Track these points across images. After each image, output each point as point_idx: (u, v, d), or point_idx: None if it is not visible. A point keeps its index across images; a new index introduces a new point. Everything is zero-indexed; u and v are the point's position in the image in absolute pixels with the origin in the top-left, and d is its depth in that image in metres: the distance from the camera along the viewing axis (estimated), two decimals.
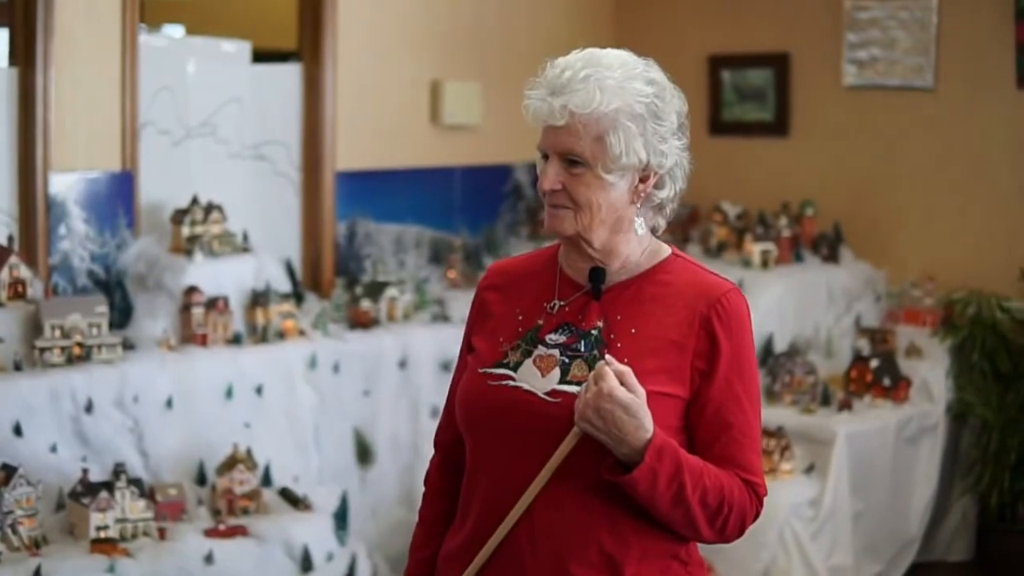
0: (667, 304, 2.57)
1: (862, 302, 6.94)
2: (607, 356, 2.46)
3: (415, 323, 6.53)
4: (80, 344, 5.26)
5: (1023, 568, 6.37)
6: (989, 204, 6.74)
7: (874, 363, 6.40)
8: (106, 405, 5.24)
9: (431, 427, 6.37)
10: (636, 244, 2.62)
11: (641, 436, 2.40)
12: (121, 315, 5.67)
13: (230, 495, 5.28)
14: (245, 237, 6.11)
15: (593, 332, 2.58)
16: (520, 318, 2.67)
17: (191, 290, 5.69)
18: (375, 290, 6.47)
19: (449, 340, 6.53)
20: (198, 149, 6.17)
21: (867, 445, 6.10)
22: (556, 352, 2.58)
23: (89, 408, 5.17)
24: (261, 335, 5.86)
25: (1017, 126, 6.62)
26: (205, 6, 7.30)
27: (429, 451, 6.37)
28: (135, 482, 4.99)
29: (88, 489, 4.89)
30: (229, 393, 5.61)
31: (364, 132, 6.81)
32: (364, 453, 6.19)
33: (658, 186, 2.59)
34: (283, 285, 6.11)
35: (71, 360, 5.24)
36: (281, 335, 5.93)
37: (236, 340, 5.78)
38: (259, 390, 5.72)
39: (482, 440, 2.63)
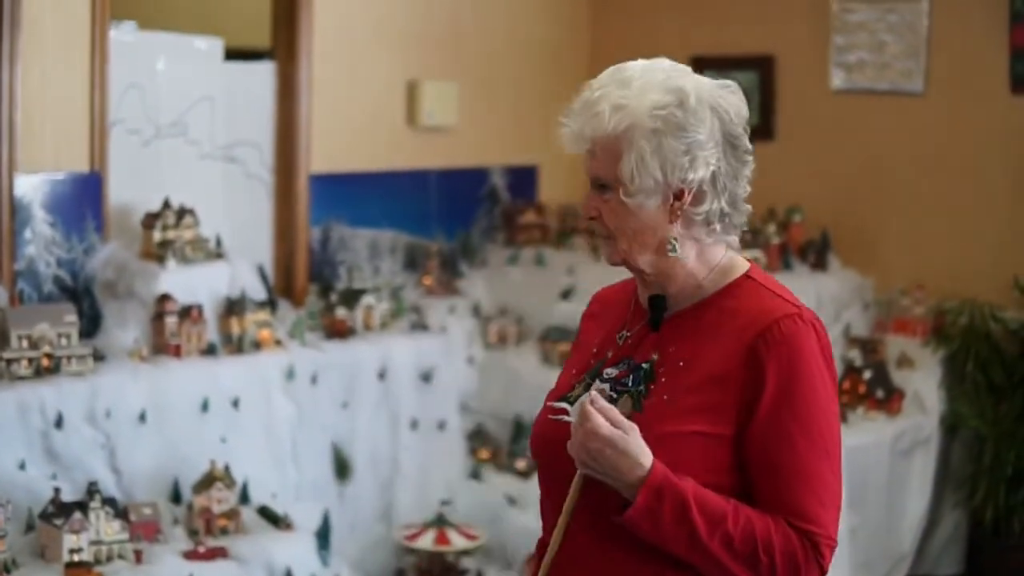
0: (720, 334, 2.40)
1: (851, 311, 6.77)
2: (592, 393, 2.32)
3: (393, 332, 6.32)
4: (49, 355, 5.02)
5: None
6: (981, 211, 6.58)
7: (867, 374, 6.24)
8: (77, 420, 5.02)
9: (410, 441, 6.26)
10: (697, 266, 2.45)
11: (637, 474, 2.27)
12: (89, 324, 5.42)
13: (208, 514, 5.05)
14: (218, 242, 5.86)
15: (644, 366, 2.44)
16: (594, 350, 2.58)
17: (163, 298, 5.44)
18: (351, 297, 6.25)
19: (428, 350, 6.37)
20: (168, 150, 5.91)
21: (863, 460, 5.91)
22: (607, 387, 2.45)
23: (59, 423, 4.95)
24: (236, 345, 5.62)
25: (1011, 132, 6.46)
26: (176, 2, 7.04)
27: (408, 466, 6.25)
28: (109, 501, 4.75)
29: (60, 509, 4.65)
30: (205, 406, 5.39)
31: (339, 133, 6.57)
32: (342, 468, 5.99)
33: (697, 201, 2.40)
34: (258, 293, 5.87)
35: (39, 372, 5.02)
36: (257, 345, 5.69)
37: (211, 350, 5.54)
38: (236, 403, 5.50)
39: (542, 471, 2.59)
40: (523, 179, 7.52)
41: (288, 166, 6.38)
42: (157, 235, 5.60)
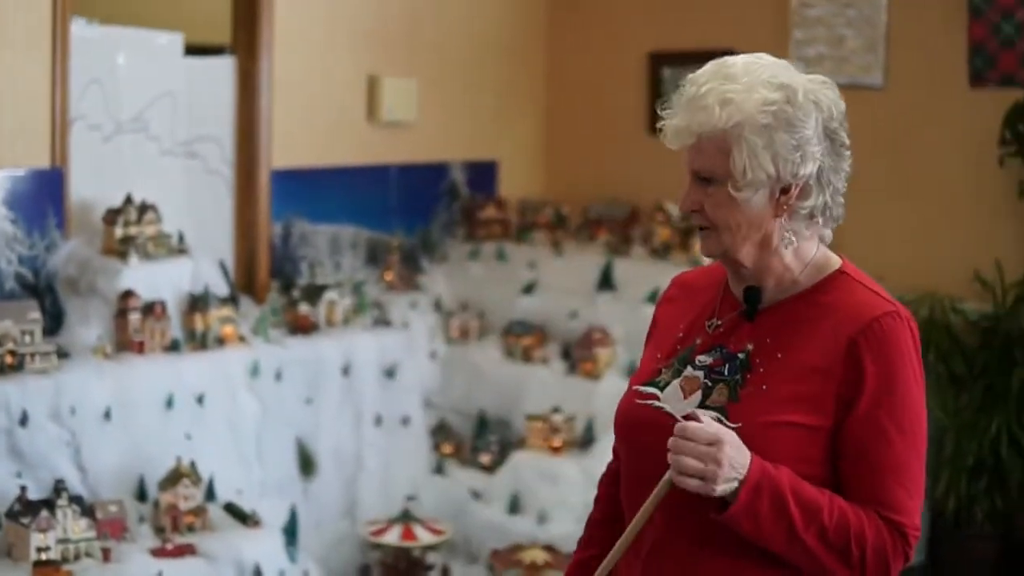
0: (818, 327, 2.42)
1: None
2: (695, 410, 2.36)
3: (356, 327, 6.32)
4: (12, 352, 4.98)
5: (974, 573, 6.27)
6: (940, 205, 6.61)
7: None
8: (41, 417, 4.98)
9: (374, 437, 6.25)
10: (794, 260, 2.48)
11: (735, 475, 2.31)
12: (52, 321, 5.38)
13: (175, 511, 5.02)
14: (181, 238, 5.82)
15: (740, 356, 2.46)
16: (680, 335, 2.59)
17: (126, 294, 5.40)
18: (313, 293, 6.24)
19: (391, 345, 6.36)
20: (129, 145, 5.86)
21: None
22: (701, 374, 2.48)
23: (24, 421, 4.91)
24: (200, 341, 5.59)
25: (969, 126, 6.49)
26: None
27: (372, 462, 6.24)
28: (76, 499, 4.71)
29: (27, 508, 4.62)
30: (169, 403, 5.36)
31: (299, 129, 6.54)
32: (307, 464, 5.96)
33: (803, 196, 2.43)
34: (221, 289, 5.84)
35: (3, 370, 4.98)
36: (220, 341, 5.66)
37: (174, 347, 5.50)
38: (200, 399, 5.47)
39: (628, 456, 2.59)
40: (482, 174, 7.52)
41: (249, 162, 6.35)
42: (119, 231, 5.56)
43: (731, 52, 7.07)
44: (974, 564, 6.26)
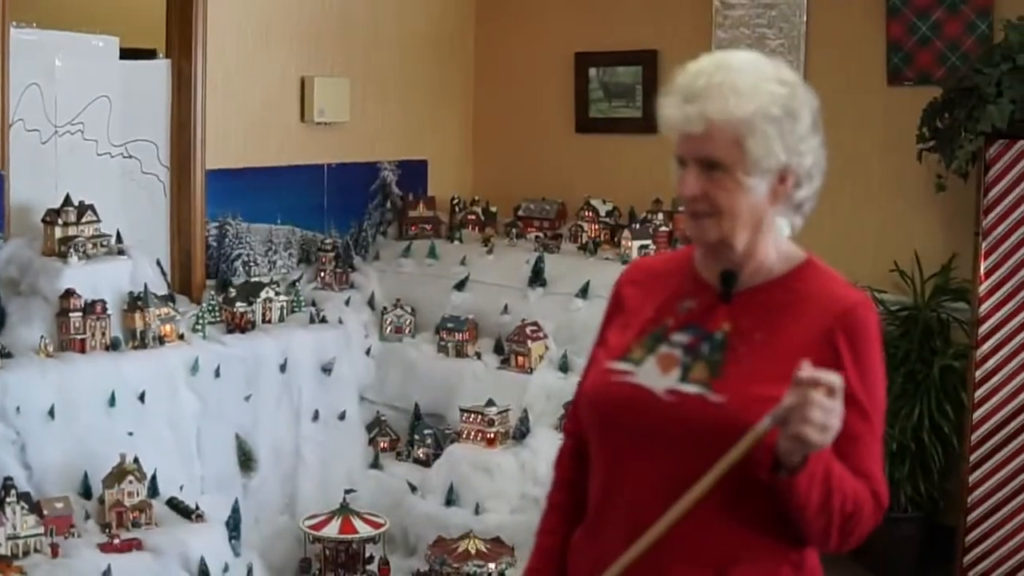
0: (795, 313, 2.53)
1: None
2: (804, 362, 2.34)
3: (292, 325, 6.40)
4: None
5: (900, 556, 6.44)
6: (859, 199, 6.80)
7: None
8: None
9: (312, 432, 6.34)
10: (772, 247, 2.59)
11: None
12: None
13: (120, 507, 5.08)
14: (119, 238, 5.89)
15: (717, 335, 2.55)
16: (651, 315, 2.66)
17: (67, 294, 5.46)
18: (249, 292, 6.31)
19: (327, 342, 6.45)
20: (66, 147, 5.92)
21: None
22: (679, 352, 2.56)
23: None
24: (140, 340, 5.65)
25: (887, 122, 6.69)
26: (71, 2, 7.03)
27: (311, 457, 6.31)
28: (24, 496, 4.77)
29: None
30: (112, 401, 5.41)
31: (233, 130, 6.64)
32: (246, 460, 6.04)
33: (797, 185, 2.56)
34: (159, 288, 5.91)
35: None
36: (160, 340, 5.73)
37: (115, 346, 5.57)
38: (142, 397, 5.52)
39: (604, 434, 2.62)
40: (413, 173, 7.63)
41: (184, 162, 6.42)
42: (59, 232, 5.62)
43: (656, 52, 7.20)
44: (899, 545, 6.43)
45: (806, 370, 2.28)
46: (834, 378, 2.27)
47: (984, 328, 6.00)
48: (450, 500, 6.08)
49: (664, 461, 2.47)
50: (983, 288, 5.99)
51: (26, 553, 4.70)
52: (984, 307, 6.00)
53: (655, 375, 2.55)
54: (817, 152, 2.56)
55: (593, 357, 2.77)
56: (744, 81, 2.47)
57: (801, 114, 2.51)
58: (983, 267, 6.01)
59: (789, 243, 2.63)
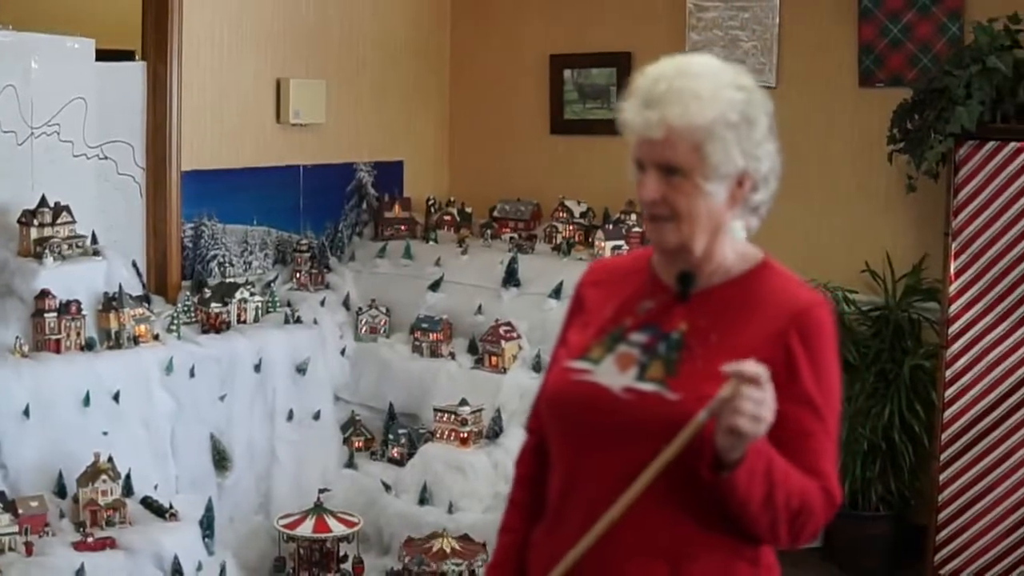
0: (750, 313, 2.56)
1: None
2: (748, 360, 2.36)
3: (267, 325, 6.43)
4: None
5: (871, 554, 6.49)
6: (833, 200, 6.86)
7: None
8: None
9: (286, 432, 6.36)
10: (729, 248, 2.62)
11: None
12: None
13: (94, 506, 5.10)
14: (95, 239, 5.91)
15: (674, 335, 2.58)
16: (610, 316, 2.69)
17: (43, 295, 5.48)
18: (225, 292, 6.34)
19: (302, 342, 6.47)
20: (42, 148, 5.94)
21: None
22: (637, 351, 2.59)
23: None
24: (115, 340, 5.68)
25: (858, 124, 6.75)
26: (47, 4, 7.05)
27: (284, 457, 6.34)
28: None
29: None
30: (86, 401, 5.43)
31: (209, 131, 6.67)
32: (221, 459, 6.07)
33: (754, 189, 2.59)
34: (134, 288, 5.94)
35: None
36: (135, 340, 5.75)
37: (90, 346, 5.59)
38: (116, 397, 5.54)
39: (563, 432, 2.66)
40: (389, 174, 7.67)
41: (159, 164, 6.45)
42: (34, 232, 5.64)
43: (631, 54, 7.21)
44: (869, 544, 6.48)
45: (731, 364, 2.31)
46: (758, 369, 2.29)
47: (954, 328, 6.06)
48: (424, 499, 6.12)
49: (621, 458, 2.49)
50: (953, 288, 6.04)
51: (0, 552, 4.72)
52: (954, 307, 6.05)
53: (613, 374, 2.57)
54: (773, 157, 2.59)
55: (555, 356, 2.80)
56: (704, 87, 2.49)
57: (758, 119, 2.54)
58: (953, 267, 6.06)
59: (746, 244, 2.65)
